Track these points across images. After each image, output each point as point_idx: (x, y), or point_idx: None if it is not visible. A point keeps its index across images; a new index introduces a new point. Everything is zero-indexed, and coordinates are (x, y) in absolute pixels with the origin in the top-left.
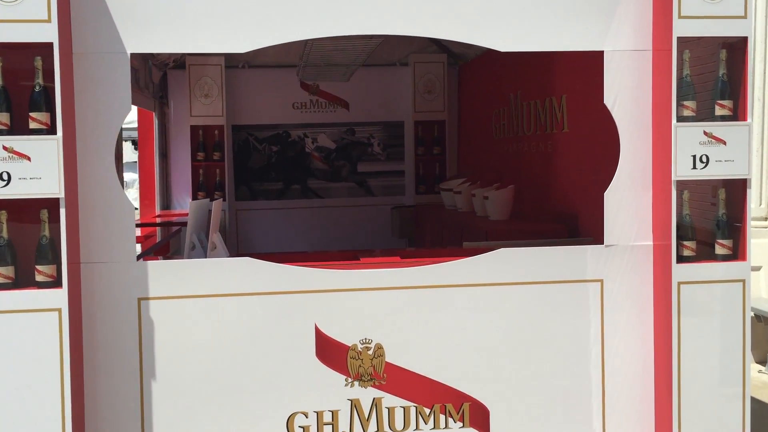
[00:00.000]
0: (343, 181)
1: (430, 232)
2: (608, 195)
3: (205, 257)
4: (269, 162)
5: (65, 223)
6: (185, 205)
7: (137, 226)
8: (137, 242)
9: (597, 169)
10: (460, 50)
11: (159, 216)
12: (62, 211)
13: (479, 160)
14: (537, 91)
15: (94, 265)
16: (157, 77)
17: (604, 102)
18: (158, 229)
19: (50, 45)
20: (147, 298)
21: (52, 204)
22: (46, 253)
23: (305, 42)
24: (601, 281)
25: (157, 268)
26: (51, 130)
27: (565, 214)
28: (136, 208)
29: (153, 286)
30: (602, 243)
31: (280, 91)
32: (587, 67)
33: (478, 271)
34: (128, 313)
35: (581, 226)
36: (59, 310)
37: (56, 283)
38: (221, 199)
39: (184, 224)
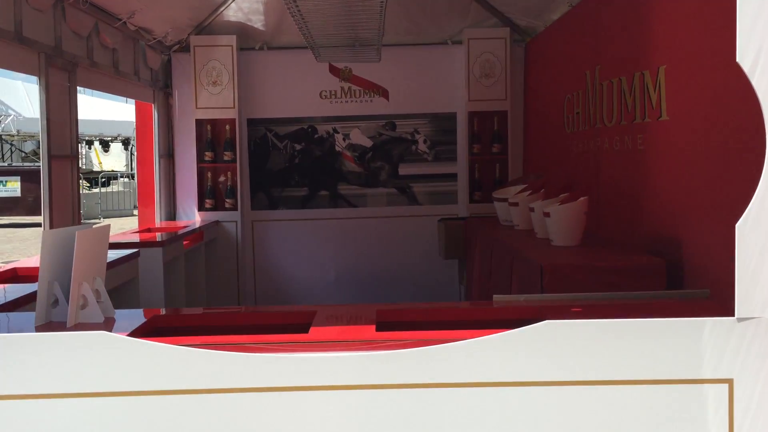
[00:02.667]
0: (381, 186)
1: (480, 255)
2: (743, 228)
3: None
4: (292, 163)
5: None
6: (192, 215)
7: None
8: None
9: (713, 176)
10: (527, 22)
11: (154, 230)
12: None
13: (549, 160)
14: (622, 63)
15: None
16: (155, 62)
17: (737, 61)
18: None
19: None
20: None
21: None
22: None
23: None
24: (730, 382)
25: None
26: None
27: (663, 241)
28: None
29: None
30: (731, 311)
31: (304, 78)
32: (699, 20)
33: (505, 360)
34: None
35: (686, 259)
36: None
37: None
38: (108, 225)
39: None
